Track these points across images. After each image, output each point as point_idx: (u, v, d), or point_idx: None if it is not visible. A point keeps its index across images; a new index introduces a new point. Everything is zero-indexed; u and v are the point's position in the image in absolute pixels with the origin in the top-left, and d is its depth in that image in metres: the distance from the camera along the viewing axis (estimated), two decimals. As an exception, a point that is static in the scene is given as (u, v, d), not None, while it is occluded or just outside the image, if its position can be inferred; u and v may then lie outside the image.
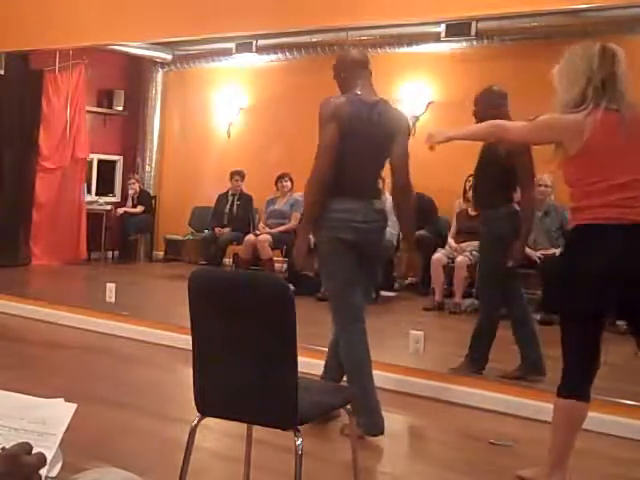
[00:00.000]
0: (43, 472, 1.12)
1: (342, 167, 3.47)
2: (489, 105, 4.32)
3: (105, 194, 9.39)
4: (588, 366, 2.89)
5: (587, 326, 2.85)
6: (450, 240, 6.72)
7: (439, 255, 6.60)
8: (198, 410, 2.44)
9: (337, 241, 3.51)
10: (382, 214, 3.64)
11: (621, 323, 3.32)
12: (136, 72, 9.41)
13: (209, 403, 2.45)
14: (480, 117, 4.22)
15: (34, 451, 1.11)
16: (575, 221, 2.90)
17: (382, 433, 3.55)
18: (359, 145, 3.49)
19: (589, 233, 2.83)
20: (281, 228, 7.58)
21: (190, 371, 2.44)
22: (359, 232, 3.50)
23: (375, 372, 4.54)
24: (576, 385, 2.88)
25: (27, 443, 1.11)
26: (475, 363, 4.53)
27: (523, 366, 4.49)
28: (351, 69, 3.61)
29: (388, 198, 7.10)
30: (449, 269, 6.43)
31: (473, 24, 4.76)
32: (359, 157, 3.49)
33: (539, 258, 6.25)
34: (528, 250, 6.34)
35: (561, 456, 2.91)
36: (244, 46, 6.25)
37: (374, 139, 3.53)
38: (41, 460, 1.10)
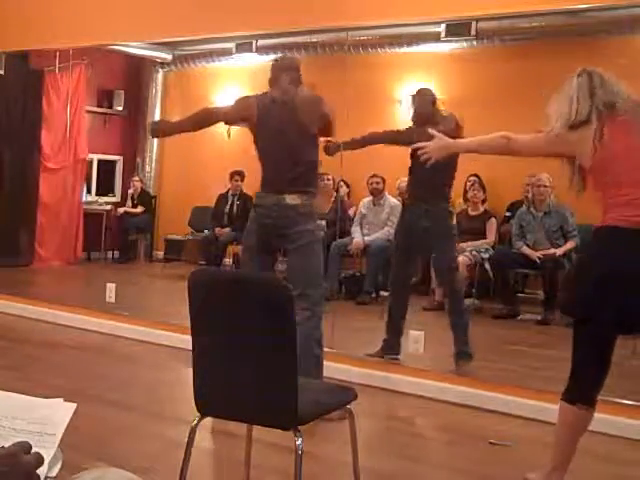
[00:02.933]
0: (43, 472, 1.13)
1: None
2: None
3: (105, 194, 9.39)
4: (597, 374, 2.83)
5: (603, 334, 2.79)
6: (450, 240, 6.70)
7: (439, 255, 6.58)
8: (198, 410, 2.44)
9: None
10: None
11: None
12: (136, 72, 9.41)
13: (209, 403, 2.45)
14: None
15: (33, 451, 1.11)
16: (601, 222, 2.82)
17: None
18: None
19: (610, 235, 2.78)
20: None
21: (190, 371, 2.44)
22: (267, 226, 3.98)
23: (375, 372, 4.58)
24: (582, 392, 2.84)
25: (26, 442, 1.11)
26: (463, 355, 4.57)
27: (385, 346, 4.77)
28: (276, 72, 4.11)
29: (388, 198, 7.15)
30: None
31: (473, 24, 4.76)
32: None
33: (539, 258, 6.25)
34: (528, 250, 6.36)
35: (562, 458, 2.90)
36: (244, 46, 6.25)
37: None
38: (38, 460, 1.10)
